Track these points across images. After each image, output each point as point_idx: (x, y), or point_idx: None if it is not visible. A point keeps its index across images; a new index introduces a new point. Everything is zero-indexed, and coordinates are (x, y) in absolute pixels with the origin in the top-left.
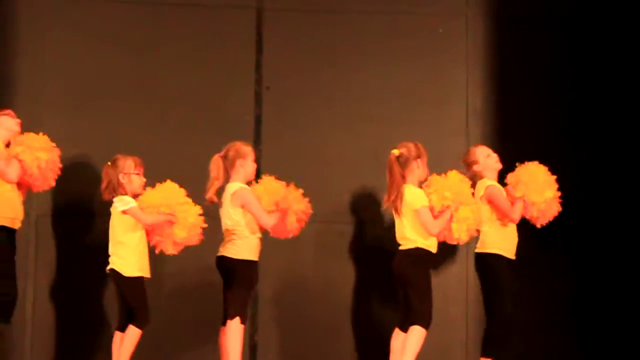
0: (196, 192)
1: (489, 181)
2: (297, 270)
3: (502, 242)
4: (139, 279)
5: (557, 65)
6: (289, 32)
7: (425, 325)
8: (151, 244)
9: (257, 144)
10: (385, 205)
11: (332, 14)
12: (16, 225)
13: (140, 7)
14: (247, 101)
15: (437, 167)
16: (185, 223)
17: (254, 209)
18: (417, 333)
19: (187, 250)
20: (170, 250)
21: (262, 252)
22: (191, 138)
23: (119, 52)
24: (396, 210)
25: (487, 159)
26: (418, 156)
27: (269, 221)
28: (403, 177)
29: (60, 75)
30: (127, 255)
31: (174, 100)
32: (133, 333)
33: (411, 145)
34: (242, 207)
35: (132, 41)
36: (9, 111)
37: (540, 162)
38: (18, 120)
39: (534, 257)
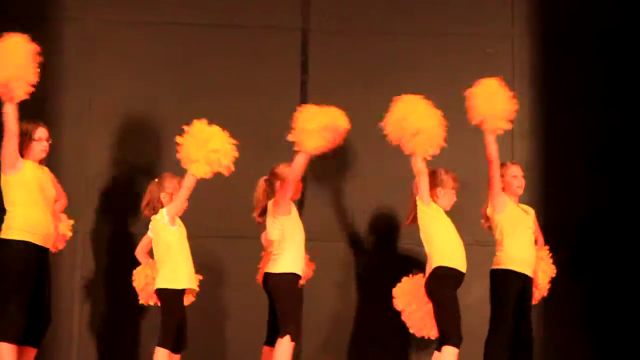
0: (241, 213)
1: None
2: (345, 290)
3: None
4: (181, 294)
5: (603, 85)
6: (334, 53)
7: (455, 344)
8: None
9: None
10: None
11: (378, 35)
12: (48, 244)
13: (186, 29)
14: (292, 122)
15: (482, 187)
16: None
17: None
18: (447, 353)
19: (226, 270)
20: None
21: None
22: (236, 159)
23: (165, 74)
24: None
25: (512, 179)
26: (438, 185)
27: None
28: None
29: (107, 96)
30: (176, 269)
31: (219, 121)
32: (160, 356)
33: (435, 172)
34: (284, 203)
35: (178, 63)
36: (40, 135)
37: (587, 182)
38: (45, 145)
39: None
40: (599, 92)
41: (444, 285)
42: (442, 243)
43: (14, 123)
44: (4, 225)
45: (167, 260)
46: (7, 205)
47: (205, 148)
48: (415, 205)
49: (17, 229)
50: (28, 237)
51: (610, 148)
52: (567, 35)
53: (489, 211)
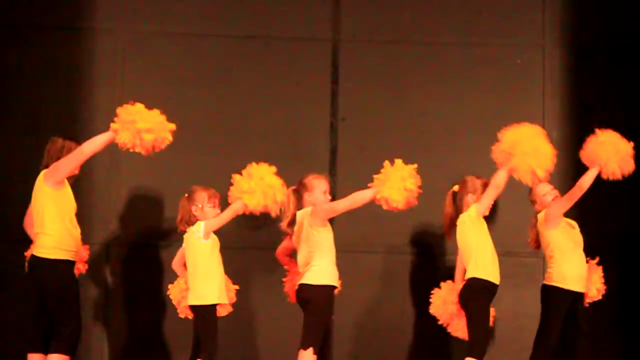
0: (271, 223)
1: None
2: (374, 303)
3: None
4: (214, 308)
5: (635, 96)
6: (364, 63)
7: (478, 357)
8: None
9: (332, 175)
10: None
11: (408, 45)
12: (76, 257)
13: (216, 40)
14: (322, 132)
15: (512, 197)
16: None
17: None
18: None
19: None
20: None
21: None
22: None
23: (195, 85)
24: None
25: (543, 198)
26: (471, 191)
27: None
28: (455, 211)
29: None
30: (207, 283)
31: (250, 132)
32: None
33: (467, 180)
34: (323, 217)
35: (208, 74)
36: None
37: (619, 196)
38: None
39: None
40: (630, 103)
41: (478, 297)
42: (479, 254)
43: (96, 149)
44: (40, 243)
45: (197, 275)
46: (44, 222)
47: (262, 182)
48: (450, 217)
49: (56, 247)
50: (66, 255)
51: None
52: (599, 45)
53: (539, 226)
